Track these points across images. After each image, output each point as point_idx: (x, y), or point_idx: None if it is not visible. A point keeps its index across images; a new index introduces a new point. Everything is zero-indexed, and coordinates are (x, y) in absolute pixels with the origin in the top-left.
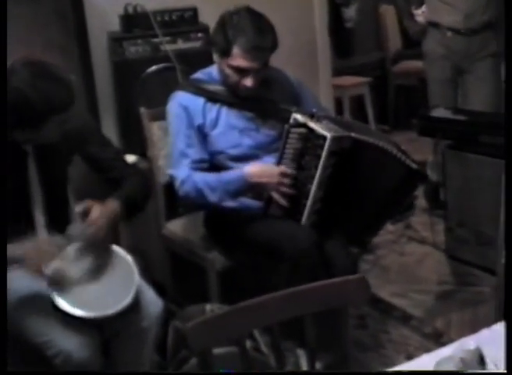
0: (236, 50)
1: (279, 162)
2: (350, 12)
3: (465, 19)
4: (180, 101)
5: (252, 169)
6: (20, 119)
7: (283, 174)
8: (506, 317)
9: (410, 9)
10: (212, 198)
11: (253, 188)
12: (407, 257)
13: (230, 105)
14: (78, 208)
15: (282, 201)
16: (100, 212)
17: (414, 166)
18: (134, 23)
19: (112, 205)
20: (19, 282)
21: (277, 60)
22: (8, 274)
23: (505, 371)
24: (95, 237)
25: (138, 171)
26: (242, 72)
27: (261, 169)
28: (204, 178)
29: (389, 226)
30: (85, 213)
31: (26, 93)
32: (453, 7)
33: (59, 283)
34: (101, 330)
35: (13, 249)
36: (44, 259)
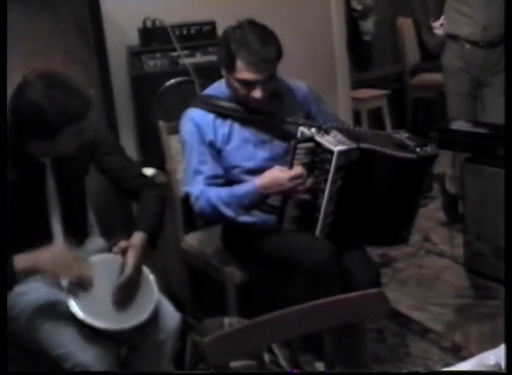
0: (240, 63)
1: None
2: (368, 25)
3: (483, 31)
4: (192, 118)
5: (262, 182)
6: (35, 130)
7: (293, 178)
8: (506, 315)
9: (429, 22)
10: (227, 212)
11: (267, 199)
12: (425, 270)
13: (240, 120)
14: (114, 249)
15: (301, 199)
16: (134, 256)
17: (412, 156)
18: (153, 37)
19: (140, 240)
20: (36, 294)
21: (296, 73)
22: (25, 285)
23: (505, 371)
24: (132, 279)
25: (153, 183)
26: (249, 84)
27: (270, 179)
28: (217, 193)
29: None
30: (120, 252)
31: (40, 104)
32: (471, 19)
33: (78, 291)
34: (119, 343)
35: (31, 259)
36: (63, 268)
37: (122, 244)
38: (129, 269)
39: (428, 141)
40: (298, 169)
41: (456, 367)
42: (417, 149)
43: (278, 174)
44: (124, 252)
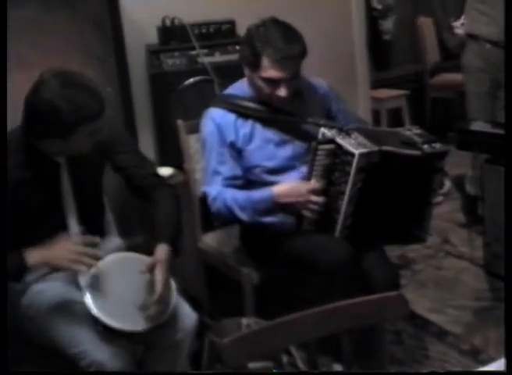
0: (265, 61)
1: (308, 179)
2: (388, 25)
3: (502, 31)
4: (213, 118)
5: (280, 189)
6: (50, 129)
7: (312, 191)
8: (506, 315)
9: (449, 22)
10: (242, 216)
11: (282, 207)
12: (444, 272)
13: (262, 120)
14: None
15: (313, 216)
16: (162, 272)
17: (417, 153)
18: (172, 35)
19: (165, 254)
20: (53, 293)
21: (315, 73)
22: (42, 284)
23: (505, 371)
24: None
25: (167, 183)
26: (274, 83)
27: (288, 188)
28: (233, 196)
29: (427, 241)
30: (150, 269)
31: (55, 103)
32: (491, 19)
33: (95, 288)
34: (135, 342)
35: (42, 252)
36: (72, 260)
37: (150, 262)
38: (158, 286)
39: (447, 142)
40: (318, 185)
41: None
42: (425, 146)
43: (297, 184)
44: (152, 269)
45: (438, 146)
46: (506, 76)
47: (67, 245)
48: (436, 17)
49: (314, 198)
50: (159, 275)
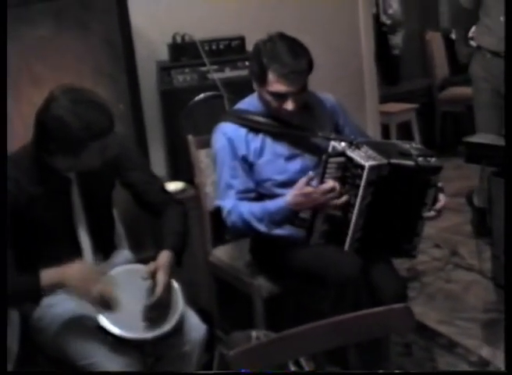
0: (271, 76)
1: None
2: (397, 39)
3: (500, 41)
4: (224, 132)
5: (293, 197)
6: (60, 146)
7: (326, 191)
8: (506, 315)
9: (463, 33)
10: (260, 227)
11: (299, 213)
12: (453, 284)
13: (272, 134)
14: (145, 274)
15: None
16: (163, 276)
17: (410, 164)
18: (182, 52)
19: (167, 259)
20: (64, 306)
21: (324, 87)
22: (53, 298)
23: (505, 371)
24: (162, 299)
25: (176, 199)
26: (281, 97)
27: (302, 196)
28: (249, 209)
29: (436, 253)
30: (151, 274)
31: (66, 120)
32: (490, 30)
33: (105, 304)
34: (145, 353)
35: (57, 274)
36: (90, 284)
37: (151, 267)
38: (159, 289)
39: (457, 155)
40: (329, 183)
41: None
42: (420, 159)
43: (309, 190)
44: (154, 274)
45: (433, 160)
46: (506, 76)
47: (81, 267)
48: (451, 28)
49: (328, 195)
50: (160, 278)
